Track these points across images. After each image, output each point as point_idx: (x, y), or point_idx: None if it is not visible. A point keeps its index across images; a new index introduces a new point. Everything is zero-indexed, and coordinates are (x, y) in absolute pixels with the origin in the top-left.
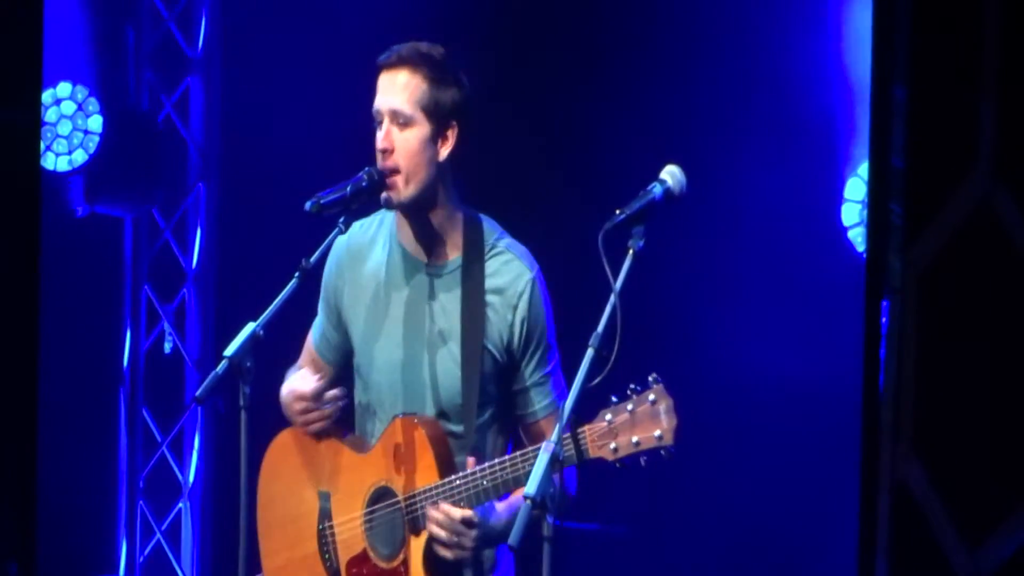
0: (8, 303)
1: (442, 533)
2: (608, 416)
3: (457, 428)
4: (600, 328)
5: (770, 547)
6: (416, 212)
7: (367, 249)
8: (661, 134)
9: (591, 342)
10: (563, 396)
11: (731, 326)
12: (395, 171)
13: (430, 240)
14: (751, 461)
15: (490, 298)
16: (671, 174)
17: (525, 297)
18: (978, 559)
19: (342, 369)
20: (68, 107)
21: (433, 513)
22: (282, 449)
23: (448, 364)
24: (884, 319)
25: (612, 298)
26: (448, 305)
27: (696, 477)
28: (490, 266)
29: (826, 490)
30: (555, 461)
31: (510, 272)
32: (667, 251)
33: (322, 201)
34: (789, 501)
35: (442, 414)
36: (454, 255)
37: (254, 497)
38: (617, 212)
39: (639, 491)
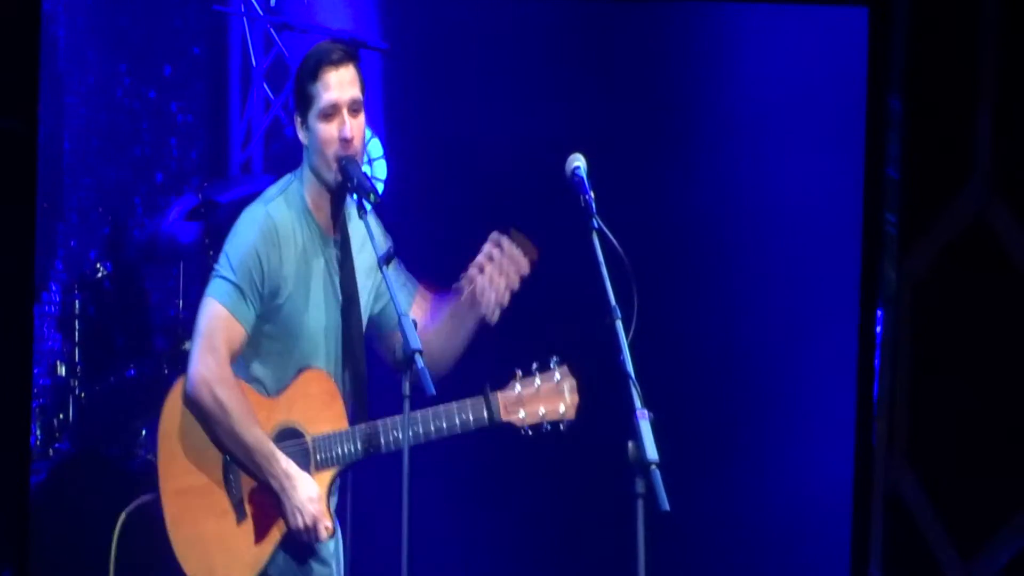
0: (4, 309)
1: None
2: (518, 387)
3: (360, 370)
4: (612, 301)
5: (764, 557)
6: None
7: (292, 226)
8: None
9: (614, 315)
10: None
11: (725, 334)
12: (357, 156)
13: (334, 218)
14: (745, 470)
15: (359, 260)
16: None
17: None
18: (972, 569)
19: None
20: None
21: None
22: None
23: (360, 324)
24: (878, 329)
25: (603, 270)
26: (347, 273)
27: (689, 485)
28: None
29: (820, 500)
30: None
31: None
32: (660, 263)
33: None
34: (783, 511)
35: (355, 366)
36: (338, 229)
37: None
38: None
39: (631, 499)
